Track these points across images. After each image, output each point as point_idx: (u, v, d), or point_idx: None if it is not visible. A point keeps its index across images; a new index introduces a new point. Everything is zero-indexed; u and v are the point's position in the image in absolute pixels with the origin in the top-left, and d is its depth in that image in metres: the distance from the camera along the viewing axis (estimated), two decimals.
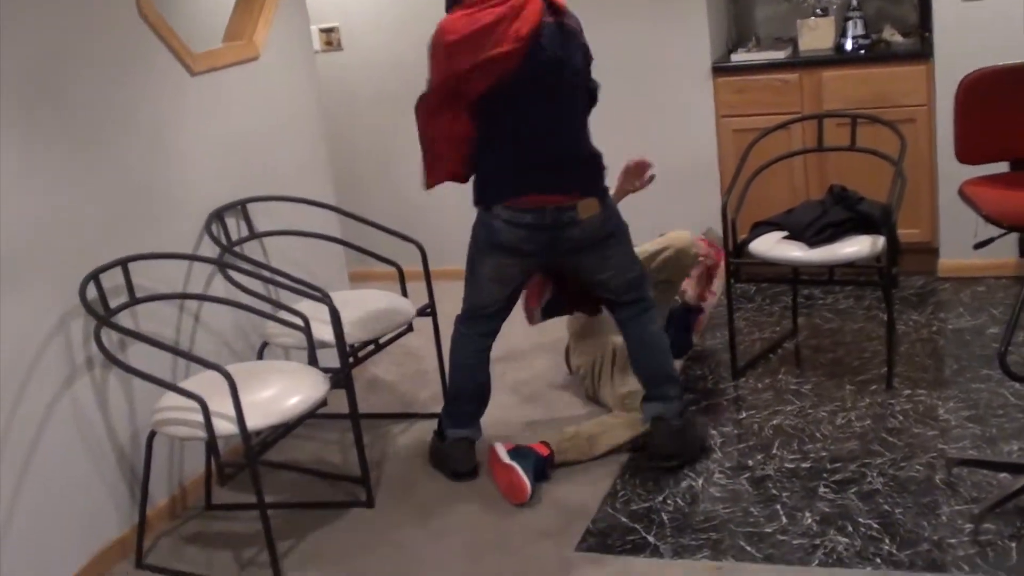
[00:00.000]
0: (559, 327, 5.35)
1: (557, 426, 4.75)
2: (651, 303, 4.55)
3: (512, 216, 4.23)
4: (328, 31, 6.97)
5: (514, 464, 4.33)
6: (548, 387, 5.36)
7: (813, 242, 4.84)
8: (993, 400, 4.68)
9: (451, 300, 6.21)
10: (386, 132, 7.02)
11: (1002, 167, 3.92)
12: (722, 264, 5.19)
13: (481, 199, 4.34)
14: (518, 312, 4.76)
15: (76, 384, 4.01)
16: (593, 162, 4.30)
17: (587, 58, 4.28)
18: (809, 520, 3.97)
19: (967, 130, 3.88)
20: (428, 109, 4.29)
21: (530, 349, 5.73)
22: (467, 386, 4.60)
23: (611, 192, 4.50)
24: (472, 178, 4.38)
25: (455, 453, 4.59)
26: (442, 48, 4.13)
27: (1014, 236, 4.35)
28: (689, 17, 6.26)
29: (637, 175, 4.83)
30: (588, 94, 4.33)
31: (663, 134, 6.20)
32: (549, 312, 5.07)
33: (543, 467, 4.43)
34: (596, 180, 4.31)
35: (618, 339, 4.84)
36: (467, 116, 4.20)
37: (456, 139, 4.25)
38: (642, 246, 4.89)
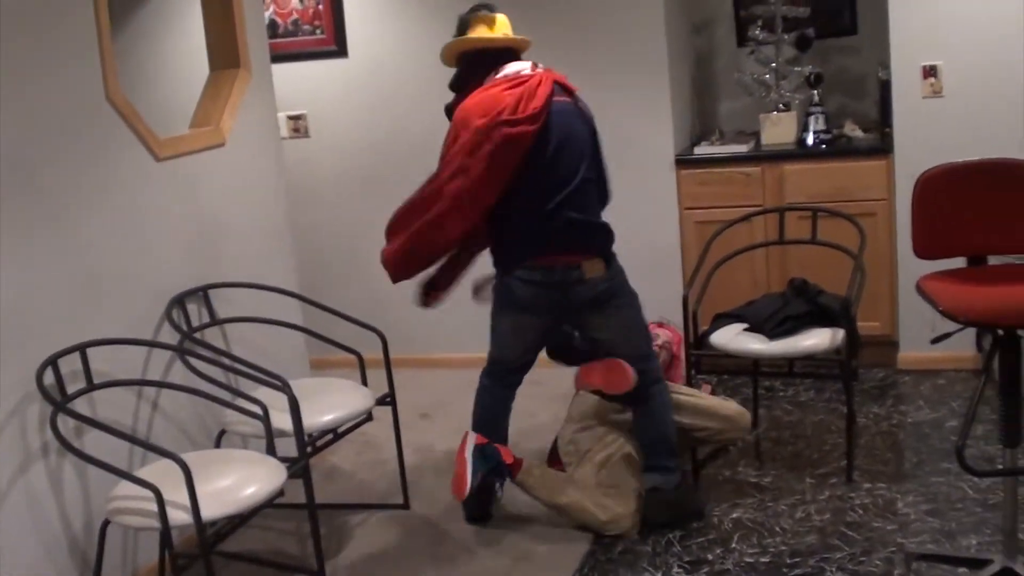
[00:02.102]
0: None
1: (517, 524, 4.80)
2: (657, 376, 4.72)
3: (525, 275, 4.52)
4: (295, 118, 7.01)
5: (468, 460, 4.48)
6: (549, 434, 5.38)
7: (773, 335, 4.87)
8: (952, 494, 4.68)
9: (411, 389, 6.23)
10: (351, 218, 7.04)
11: (959, 262, 3.95)
12: (682, 351, 5.22)
13: (500, 264, 4.64)
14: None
15: (31, 470, 3.96)
16: (600, 228, 4.58)
17: (595, 138, 4.58)
18: None
19: (924, 226, 3.90)
20: (463, 195, 4.42)
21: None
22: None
23: None
24: (492, 244, 4.67)
25: (471, 497, 4.72)
26: (473, 131, 4.37)
27: (972, 330, 4.37)
28: (654, 110, 6.33)
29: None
30: (597, 168, 4.61)
31: (627, 223, 6.18)
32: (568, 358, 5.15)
33: (502, 473, 4.57)
34: (601, 243, 4.58)
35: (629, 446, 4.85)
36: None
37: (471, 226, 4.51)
38: (707, 403, 5.02)
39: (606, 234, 4.59)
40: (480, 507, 4.84)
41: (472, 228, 4.50)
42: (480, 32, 4.58)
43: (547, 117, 4.40)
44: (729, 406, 5.06)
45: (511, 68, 4.53)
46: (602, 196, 4.69)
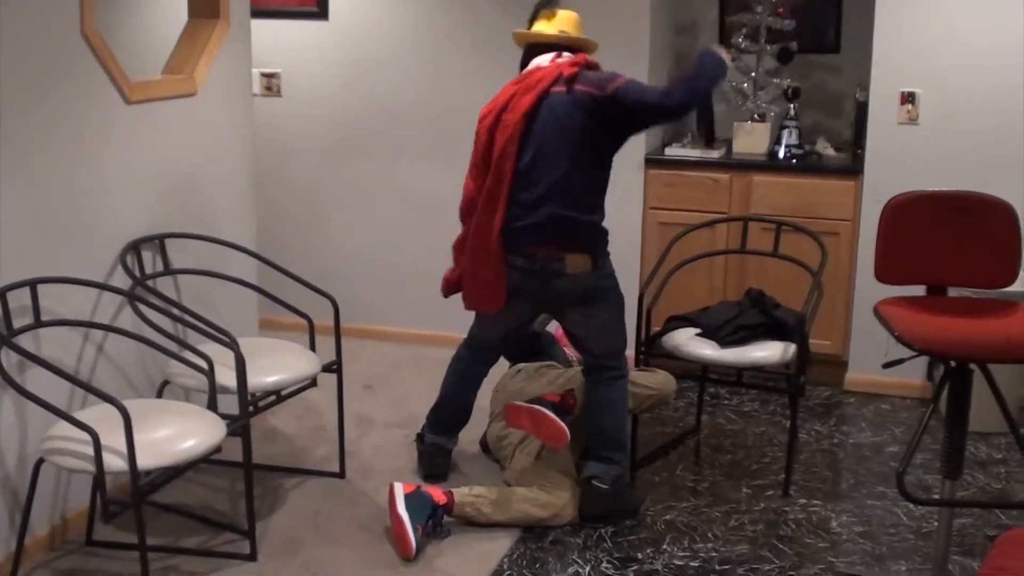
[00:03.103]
0: None
1: (470, 480, 4.83)
2: (623, 374, 4.74)
3: (511, 260, 4.58)
4: (269, 76, 6.94)
5: (404, 517, 4.33)
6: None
7: (725, 342, 4.87)
8: (886, 518, 4.71)
9: (358, 359, 6.21)
10: (316, 183, 7.00)
11: (918, 289, 3.96)
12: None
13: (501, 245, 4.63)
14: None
15: None
16: (584, 225, 4.55)
17: (607, 109, 4.47)
18: None
19: (888, 251, 3.91)
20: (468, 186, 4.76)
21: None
22: (451, 401, 5.03)
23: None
24: None
25: (428, 456, 5.04)
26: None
27: (923, 358, 4.41)
28: None
29: None
30: (597, 157, 4.58)
31: None
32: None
33: (440, 517, 4.45)
34: (588, 239, 4.58)
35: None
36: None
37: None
38: (635, 376, 5.02)
39: (591, 231, 4.58)
40: (436, 466, 5.04)
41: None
42: (538, 26, 4.73)
43: (532, 112, 4.50)
44: (655, 377, 5.13)
45: (535, 62, 4.66)
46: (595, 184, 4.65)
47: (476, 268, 4.66)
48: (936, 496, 4.68)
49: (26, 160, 4.09)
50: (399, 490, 4.44)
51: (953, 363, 3.73)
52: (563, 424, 4.55)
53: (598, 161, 4.59)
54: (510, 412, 4.73)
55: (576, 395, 4.82)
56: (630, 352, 5.02)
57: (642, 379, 5.06)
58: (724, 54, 4.51)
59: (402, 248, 6.89)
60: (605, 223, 4.62)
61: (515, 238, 4.55)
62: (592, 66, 4.60)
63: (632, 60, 6.03)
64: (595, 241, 4.60)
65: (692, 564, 4.33)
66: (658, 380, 5.11)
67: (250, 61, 5.59)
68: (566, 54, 4.64)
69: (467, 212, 4.74)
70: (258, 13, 6.09)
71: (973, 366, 3.74)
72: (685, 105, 4.44)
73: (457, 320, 5.17)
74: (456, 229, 4.83)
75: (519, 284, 4.62)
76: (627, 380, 4.78)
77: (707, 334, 4.98)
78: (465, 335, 5.02)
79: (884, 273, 3.94)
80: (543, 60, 4.65)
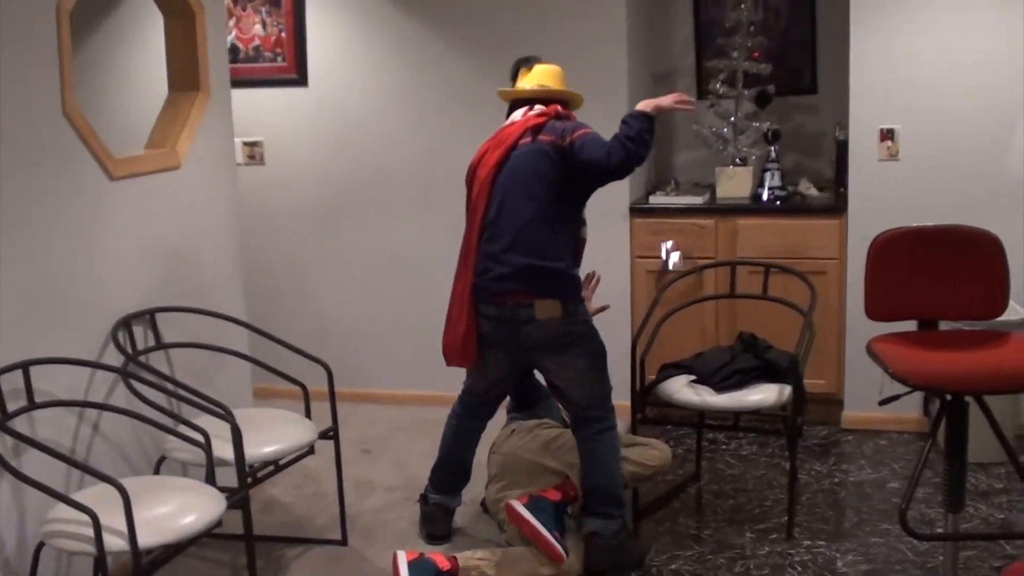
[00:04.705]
0: None
1: (474, 545, 4.79)
2: (609, 424, 4.70)
3: (484, 310, 4.62)
4: (252, 144, 6.97)
5: None
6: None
7: (720, 388, 4.87)
8: (891, 555, 4.69)
9: (354, 424, 6.20)
10: (303, 249, 7.01)
11: (910, 324, 3.98)
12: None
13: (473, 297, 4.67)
14: None
15: None
16: (556, 271, 4.55)
17: (567, 158, 4.50)
18: None
19: (877, 288, 3.92)
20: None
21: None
22: (449, 459, 5.05)
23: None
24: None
25: (430, 517, 5.03)
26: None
27: (918, 392, 4.43)
28: None
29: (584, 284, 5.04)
30: (564, 206, 4.60)
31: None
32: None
33: None
34: (557, 286, 4.57)
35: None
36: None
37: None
38: (630, 453, 4.98)
39: (560, 277, 4.56)
40: (440, 527, 5.02)
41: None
42: (520, 83, 4.80)
43: (501, 165, 4.59)
44: (651, 452, 5.06)
45: (511, 117, 4.75)
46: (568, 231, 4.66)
47: (451, 321, 4.72)
48: (940, 530, 4.67)
49: (12, 240, 4.08)
50: (402, 558, 4.40)
51: (949, 397, 3.73)
52: (561, 550, 4.46)
53: (564, 210, 4.60)
54: (511, 513, 4.62)
55: (574, 481, 4.80)
56: (626, 403, 5.02)
57: (638, 456, 5.00)
58: (667, 100, 4.54)
59: (392, 309, 6.89)
60: (587, 271, 4.62)
61: (485, 288, 4.59)
62: (563, 116, 4.63)
63: (611, 110, 6.05)
64: (564, 287, 4.58)
65: None
66: (655, 456, 5.05)
67: (232, 131, 5.61)
68: (538, 106, 4.67)
69: None
70: (239, 83, 6.11)
71: (969, 398, 3.74)
72: (623, 166, 4.43)
73: (452, 379, 5.15)
74: (445, 287, 4.83)
75: (492, 334, 4.64)
76: (615, 431, 4.72)
77: (701, 380, 4.98)
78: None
79: (875, 311, 3.95)
80: (517, 115, 4.71)
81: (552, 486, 4.77)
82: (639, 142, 4.40)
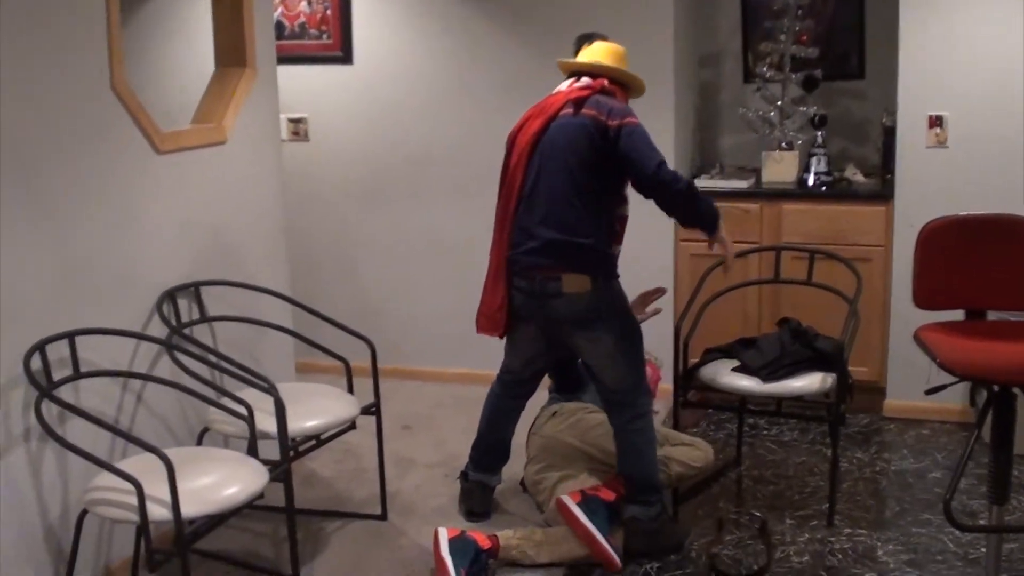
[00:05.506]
0: None
1: (513, 523, 4.81)
2: (643, 412, 4.67)
3: (516, 283, 4.65)
4: (296, 121, 6.98)
5: (448, 562, 4.30)
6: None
7: (768, 380, 4.82)
8: (932, 545, 4.67)
9: (395, 400, 6.20)
10: (346, 226, 7.02)
11: (957, 314, 3.94)
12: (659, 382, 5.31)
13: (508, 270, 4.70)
14: None
15: (11, 455, 3.91)
16: (586, 247, 4.50)
17: (608, 138, 4.45)
18: None
19: (926, 276, 3.89)
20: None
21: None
22: (487, 437, 5.06)
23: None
24: None
25: (469, 494, 5.06)
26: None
27: (963, 383, 4.39)
28: (656, 140, 6.24)
29: (642, 304, 5.15)
30: (598, 182, 4.53)
31: (621, 253, 6.24)
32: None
33: (484, 561, 4.41)
34: (585, 260, 4.53)
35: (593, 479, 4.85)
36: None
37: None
38: (674, 452, 4.97)
39: (589, 253, 4.51)
40: (480, 504, 5.04)
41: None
42: (580, 56, 4.75)
43: (540, 135, 4.58)
44: (696, 453, 5.03)
45: (559, 86, 4.71)
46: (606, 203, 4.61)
47: (487, 291, 4.76)
48: (983, 522, 4.65)
49: (61, 213, 4.12)
50: (443, 535, 4.41)
51: (996, 388, 3.70)
52: (617, 559, 4.45)
53: (598, 186, 4.53)
54: (564, 511, 4.57)
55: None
56: (668, 386, 5.00)
57: (683, 455, 4.97)
58: (730, 252, 4.74)
59: (433, 288, 6.90)
60: (634, 257, 4.58)
61: (517, 262, 4.62)
62: (608, 91, 4.57)
63: (657, 91, 6.03)
64: (594, 263, 4.54)
65: None
66: (699, 457, 5.01)
67: (278, 107, 5.62)
68: (585, 79, 4.64)
69: None
70: (284, 59, 6.12)
71: (1017, 390, 3.71)
72: (662, 185, 4.41)
73: (492, 358, 5.15)
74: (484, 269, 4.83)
75: (521, 306, 4.67)
76: (649, 418, 4.70)
77: (750, 371, 4.92)
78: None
79: (922, 299, 3.92)
80: (563, 85, 4.69)
81: (604, 483, 4.76)
82: (690, 201, 4.53)
